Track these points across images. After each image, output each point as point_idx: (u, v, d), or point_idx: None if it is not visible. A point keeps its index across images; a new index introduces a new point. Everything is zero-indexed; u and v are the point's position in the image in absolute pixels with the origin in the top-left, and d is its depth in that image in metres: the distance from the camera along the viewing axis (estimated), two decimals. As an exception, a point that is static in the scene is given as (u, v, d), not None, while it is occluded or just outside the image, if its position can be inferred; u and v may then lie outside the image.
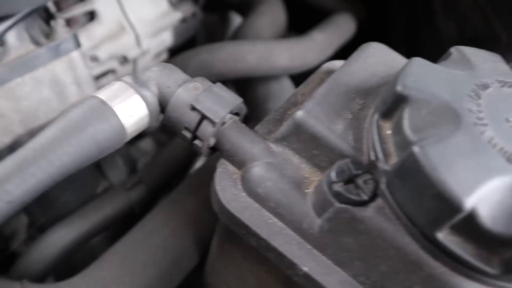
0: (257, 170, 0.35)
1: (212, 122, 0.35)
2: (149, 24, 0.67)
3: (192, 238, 0.52)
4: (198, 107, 0.35)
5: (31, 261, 0.52)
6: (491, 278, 0.29)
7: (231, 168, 0.37)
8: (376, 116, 0.33)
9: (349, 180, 0.32)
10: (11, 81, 0.49)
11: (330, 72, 0.42)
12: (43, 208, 0.56)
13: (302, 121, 0.35)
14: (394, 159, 0.31)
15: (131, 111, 0.35)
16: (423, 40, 0.78)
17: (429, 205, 0.28)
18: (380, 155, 0.32)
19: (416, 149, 0.28)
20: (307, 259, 0.34)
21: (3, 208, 0.30)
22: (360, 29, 0.78)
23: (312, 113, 0.35)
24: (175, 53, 0.70)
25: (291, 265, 0.34)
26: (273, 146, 0.36)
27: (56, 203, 0.56)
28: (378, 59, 0.41)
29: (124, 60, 0.65)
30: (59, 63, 0.52)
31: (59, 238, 0.52)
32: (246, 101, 0.42)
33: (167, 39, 0.71)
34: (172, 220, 0.51)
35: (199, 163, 0.72)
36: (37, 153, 0.31)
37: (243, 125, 0.37)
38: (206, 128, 0.36)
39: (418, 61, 0.34)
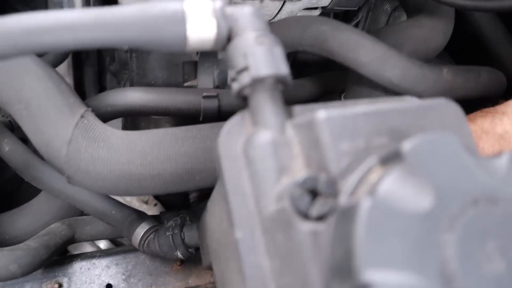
0: (260, 137, 0.38)
1: (251, 75, 0.38)
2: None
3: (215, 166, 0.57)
4: (248, 57, 0.38)
5: (102, 100, 0.62)
6: None
7: (247, 122, 0.40)
8: (373, 159, 0.33)
9: (312, 192, 0.33)
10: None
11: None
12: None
13: (317, 122, 0.35)
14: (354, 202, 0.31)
15: (200, 31, 0.40)
16: None
17: (340, 255, 0.29)
18: (350, 191, 0.32)
19: (365, 203, 0.28)
20: (246, 229, 0.37)
21: (68, 40, 0.37)
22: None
23: (332, 121, 0.35)
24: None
25: (232, 225, 0.37)
26: (289, 127, 0.38)
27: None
28: (442, 119, 0.38)
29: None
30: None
31: (133, 95, 0.62)
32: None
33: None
34: (210, 140, 0.57)
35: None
36: (108, 17, 0.37)
37: (280, 95, 0.39)
38: (245, 77, 0.38)
39: (449, 141, 0.32)
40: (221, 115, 0.65)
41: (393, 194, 0.29)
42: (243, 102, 0.41)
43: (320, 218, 0.32)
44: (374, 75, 0.57)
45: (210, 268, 0.69)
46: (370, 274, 0.27)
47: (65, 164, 0.55)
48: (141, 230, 0.76)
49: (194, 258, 0.79)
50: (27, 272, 0.69)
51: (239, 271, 0.37)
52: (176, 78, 0.66)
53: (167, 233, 0.73)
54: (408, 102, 0.39)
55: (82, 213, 0.94)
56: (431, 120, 0.38)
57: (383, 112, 0.37)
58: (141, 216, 0.77)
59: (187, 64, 0.66)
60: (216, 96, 0.63)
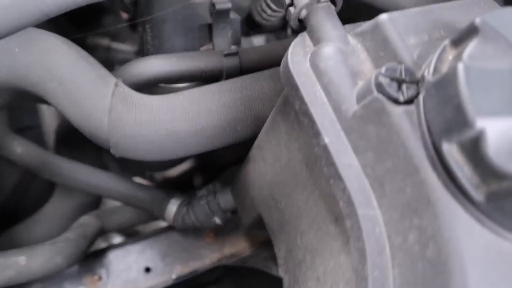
0: (327, 49, 0.40)
1: (309, -5, 0.40)
2: None
3: (254, 114, 0.59)
4: (304, -23, 0.41)
5: (126, 71, 0.62)
6: (472, 205, 0.32)
7: (308, 42, 0.42)
8: (446, 41, 0.36)
9: (396, 81, 0.36)
10: None
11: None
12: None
13: (382, 23, 0.38)
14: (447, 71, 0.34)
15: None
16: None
17: (448, 114, 0.32)
18: (431, 69, 0.35)
19: (461, 65, 0.32)
20: (331, 134, 0.39)
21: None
22: None
23: (395, 20, 0.39)
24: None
25: (317, 134, 0.40)
26: (350, 38, 0.41)
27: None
28: (485, 12, 0.42)
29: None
30: None
31: (157, 63, 0.63)
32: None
33: None
34: (246, 90, 0.59)
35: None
36: None
37: (334, 11, 0.42)
38: (303, -1, 0.41)
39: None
40: (243, 73, 0.67)
41: (480, 58, 0.32)
42: (300, 26, 0.43)
43: (408, 101, 0.35)
44: (390, 5, 0.61)
45: (251, 226, 0.71)
46: (483, 122, 0.30)
47: (109, 133, 0.55)
48: (173, 206, 0.76)
49: (230, 225, 0.80)
50: (71, 263, 0.68)
51: (331, 179, 0.40)
52: (193, 43, 0.67)
53: (201, 202, 0.74)
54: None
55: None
56: (477, 13, 0.42)
57: (434, 9, 0.41)
58: (168, 193, 0.78)
59: (202, 27, 0.67)
60: (237, 54, 0.65)
